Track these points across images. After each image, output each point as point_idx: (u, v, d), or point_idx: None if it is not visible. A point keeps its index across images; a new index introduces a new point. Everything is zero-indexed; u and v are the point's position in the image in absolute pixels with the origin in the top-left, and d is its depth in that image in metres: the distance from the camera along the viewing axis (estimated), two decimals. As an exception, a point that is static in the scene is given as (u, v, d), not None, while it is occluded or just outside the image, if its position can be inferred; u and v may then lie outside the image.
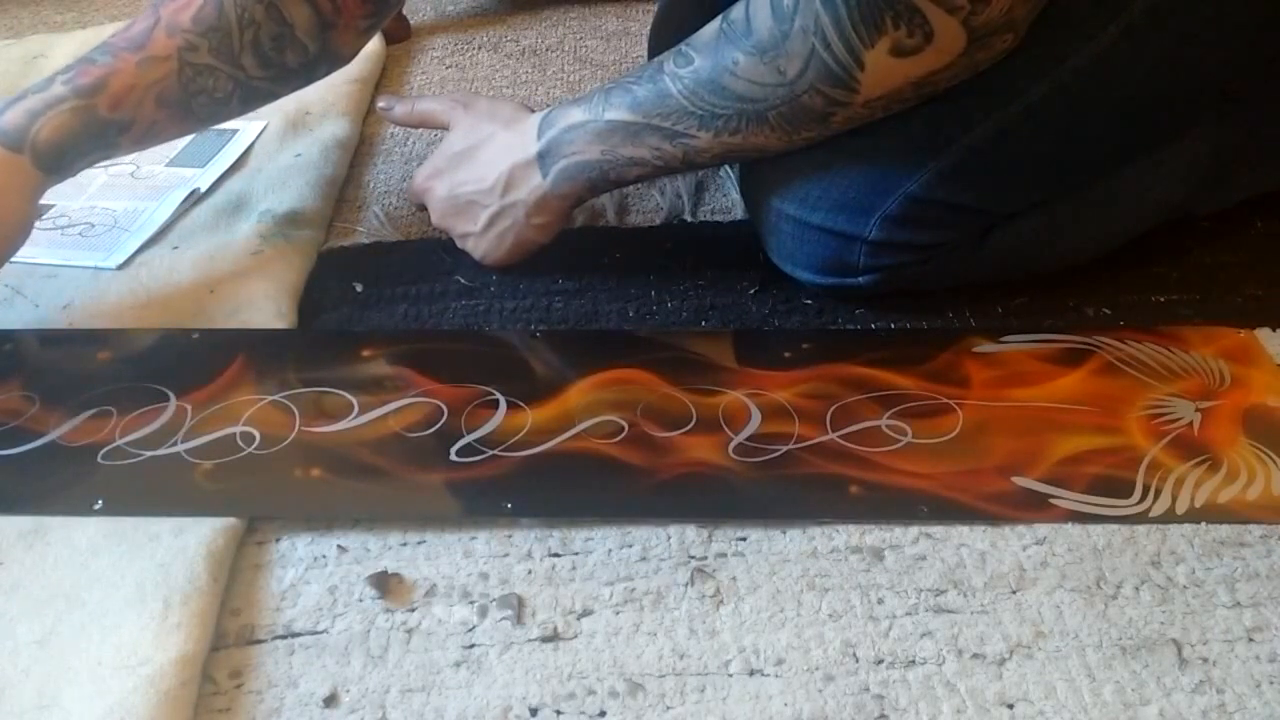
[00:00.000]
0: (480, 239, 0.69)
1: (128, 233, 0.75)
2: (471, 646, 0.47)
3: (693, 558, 0.51)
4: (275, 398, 0.59)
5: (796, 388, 0.59)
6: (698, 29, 0.60)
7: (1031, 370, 0.60)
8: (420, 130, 0.86)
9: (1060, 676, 0.45)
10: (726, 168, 0.81)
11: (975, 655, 0.46)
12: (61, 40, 1.05)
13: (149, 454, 0.56)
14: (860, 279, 0.64)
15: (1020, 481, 0.54)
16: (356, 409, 0.58)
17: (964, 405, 0.58)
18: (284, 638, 0.47)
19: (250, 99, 0.68)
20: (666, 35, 0.66)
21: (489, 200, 0.66)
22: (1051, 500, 0.53)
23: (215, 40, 0.64)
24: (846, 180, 0.61)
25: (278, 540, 0.52)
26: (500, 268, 0.70)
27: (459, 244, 0.71)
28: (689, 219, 0.77)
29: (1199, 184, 0.68)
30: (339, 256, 0.74)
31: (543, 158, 0.64)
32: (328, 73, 0.71)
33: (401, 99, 0.76)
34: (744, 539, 0.52)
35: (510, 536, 0.52)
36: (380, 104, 0.77)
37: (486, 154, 0.67)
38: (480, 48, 1.07)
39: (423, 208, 0.73)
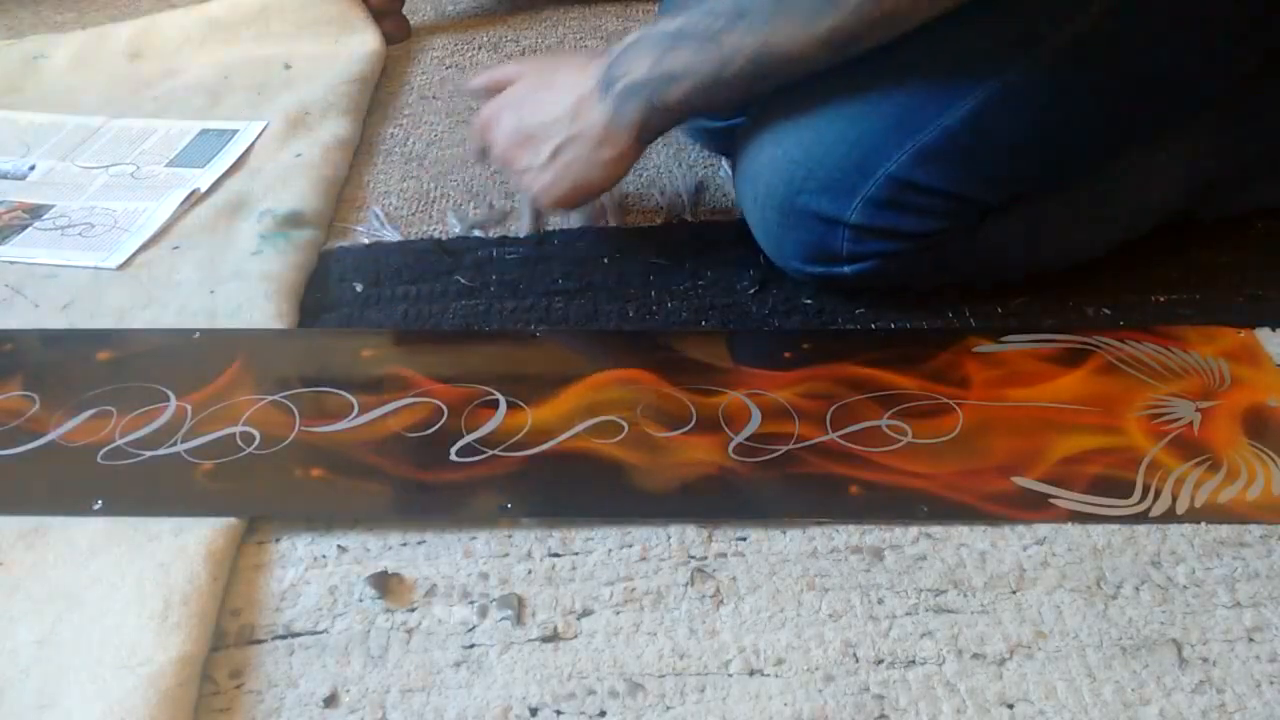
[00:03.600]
0: (542, 172, 0.67)
1: (128, 233, 0.75)
2: (471, 646, 0.47)
3: (693, 558, 0.51)
4: (275, 398, 0.59)
5: (796, 388, 0.59)
6: None
7: (1031, 370, 0.60)
8: (420, 130, 0.86)
9: (1060, 676, 0.45)
10: (726, 166, 0.81)
11: (975, 655, 0.46)
12: (61, 40, 1.05)
13: (149, 454, 0.56)
14: (846, 268, 0.64)
15: (1020, 481, 0.54)
16: (356, 409, 0.58)
17: (964, 405, 0.58)
18: (284, 638, 0.47)
19: None
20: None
21: (555, 131, 0.65)
22: (1051, 500, 0.53)
23: None
24: (831, 160, 0.61)
25: (278, 540, 0.52)
26: (557, 207, 0.69)
27: (515, 182, 0.69)
28: (689, 219, 0.77)
29: (1199, 190, 0.67)
30: (339, 256, 0.74)
31: (604, 85, 0.63)
32: None
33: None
34: (744, 539, 0.52)
35: (510, 536, 0.52)
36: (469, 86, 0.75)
37: (555, 90, 0.66)
38: (480, 48, 1.07)
39: (477, 157, 0.72)
